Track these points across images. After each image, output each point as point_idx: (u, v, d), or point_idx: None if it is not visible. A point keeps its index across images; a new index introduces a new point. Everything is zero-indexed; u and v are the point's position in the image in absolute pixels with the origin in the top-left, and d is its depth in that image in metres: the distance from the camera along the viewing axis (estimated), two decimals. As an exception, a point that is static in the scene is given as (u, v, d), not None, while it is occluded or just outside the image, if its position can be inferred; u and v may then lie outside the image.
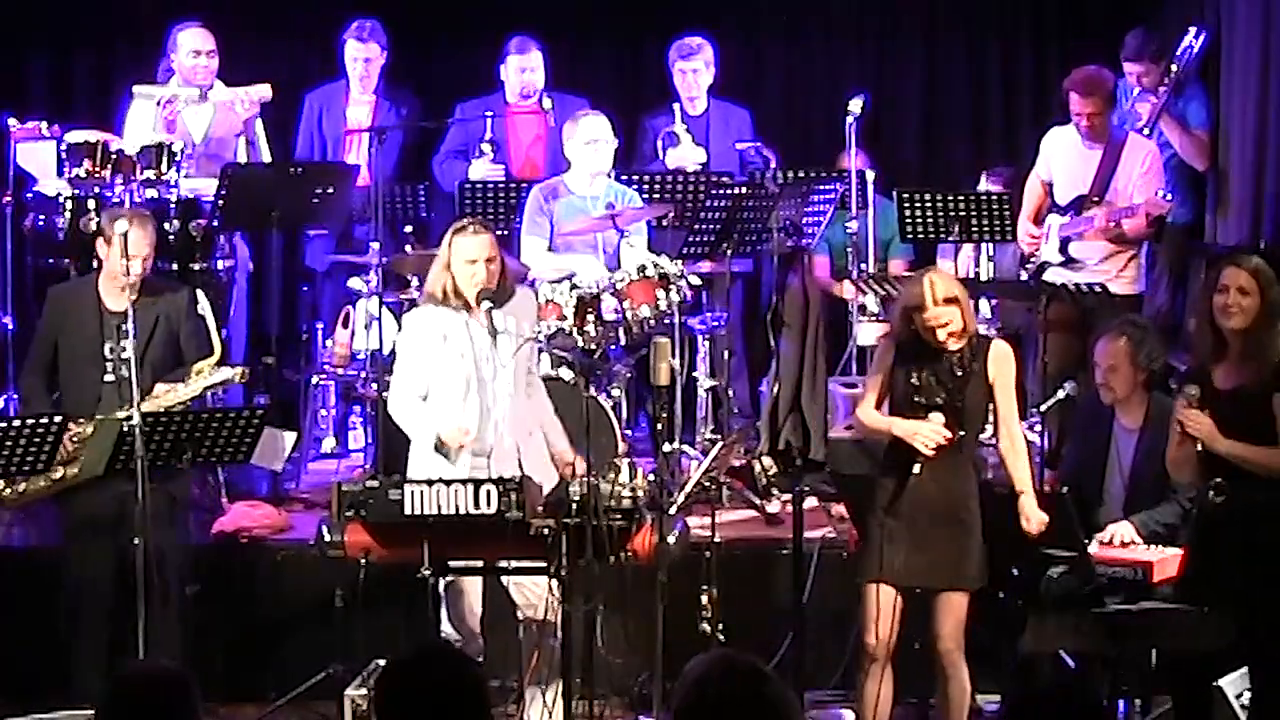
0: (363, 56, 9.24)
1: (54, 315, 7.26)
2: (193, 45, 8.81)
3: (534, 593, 6.57)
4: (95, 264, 7.33)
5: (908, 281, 6.63)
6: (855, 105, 8.70)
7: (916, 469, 6.38)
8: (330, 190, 8.46)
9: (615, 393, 8.04)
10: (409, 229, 9.09)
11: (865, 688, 6.52)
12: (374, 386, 8.32)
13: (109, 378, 7.10)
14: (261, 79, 8.98)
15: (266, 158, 8.96)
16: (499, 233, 8.64)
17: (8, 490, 7.00)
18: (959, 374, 6.43)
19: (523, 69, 9.19)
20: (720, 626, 6.85)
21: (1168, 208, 8.36)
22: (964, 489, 6.45)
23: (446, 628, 6.79)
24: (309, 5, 10.16)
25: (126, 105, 8.85)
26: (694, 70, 9.25)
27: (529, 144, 9.34)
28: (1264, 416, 6.09)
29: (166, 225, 8.08)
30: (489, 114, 9.19)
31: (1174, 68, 8.93)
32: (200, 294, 7.28)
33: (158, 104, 8.64)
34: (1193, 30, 9.05)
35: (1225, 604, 6.10)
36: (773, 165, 9.14)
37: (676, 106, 9.25)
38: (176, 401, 7.01)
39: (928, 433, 6.37)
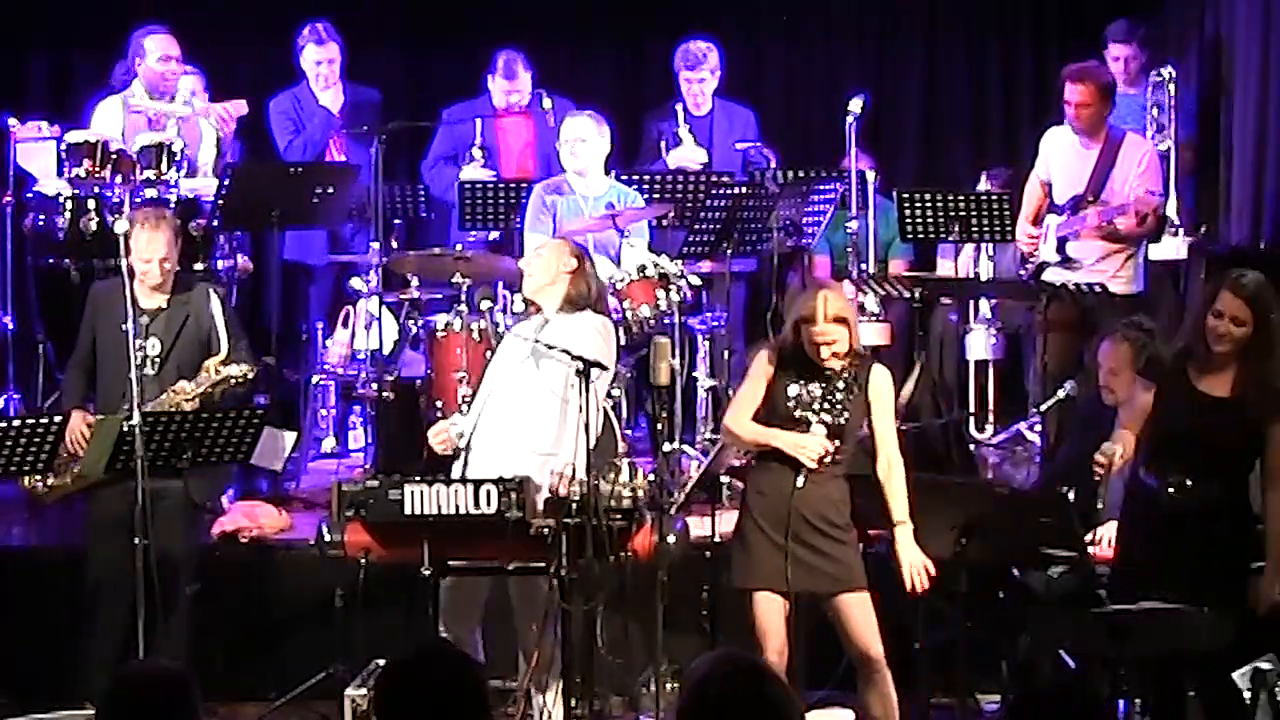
0: (326, 58, 9.17)
1: (92, 312, 7.29)
2: (162, 50, 8.75)
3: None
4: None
5: (803, 294, 6.57)
6: (855, 105, 8.70)
7: (800, 482, 6.29)
8: (330, 190, 8.46)
9: (615, 393, 8.03)
10: (396, 221, 9.08)
11: None
12: (374, 386, 8.32)
13: (135, 374, 7.10)
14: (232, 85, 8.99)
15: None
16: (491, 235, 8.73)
17: (40, 485, 7.04)
18: (840, 391, 6.35)
19: (508, 91, 9.19)
20: (720, 626, 6.87)
21: (1155, 203, 8.36)
22: (840, 498, 6.36)
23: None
24: (293, 9, 10.10)
25: (94, 100, 8.81)
26: (700, 80, 9.26)
27: (520, 148, 9.33)
28: (1245, 435, 6.08)
29: (166, 225, 8.09)
30: (478, 118, 9.18)
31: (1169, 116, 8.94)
32: (212, 292, 7.29)
33: (148, 117, 8.63)
34: (1167, 73, 9.01)
35: (1176, 598, 6.09)
36: (772, 165, 9.14)
37: (679, 107, 9.25)
38: (185, 399, 7.03)
39: (814, 446, 6.28)
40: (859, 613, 6.33)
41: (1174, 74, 8.96)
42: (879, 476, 6.39)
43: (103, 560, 7.07)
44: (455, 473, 6.76)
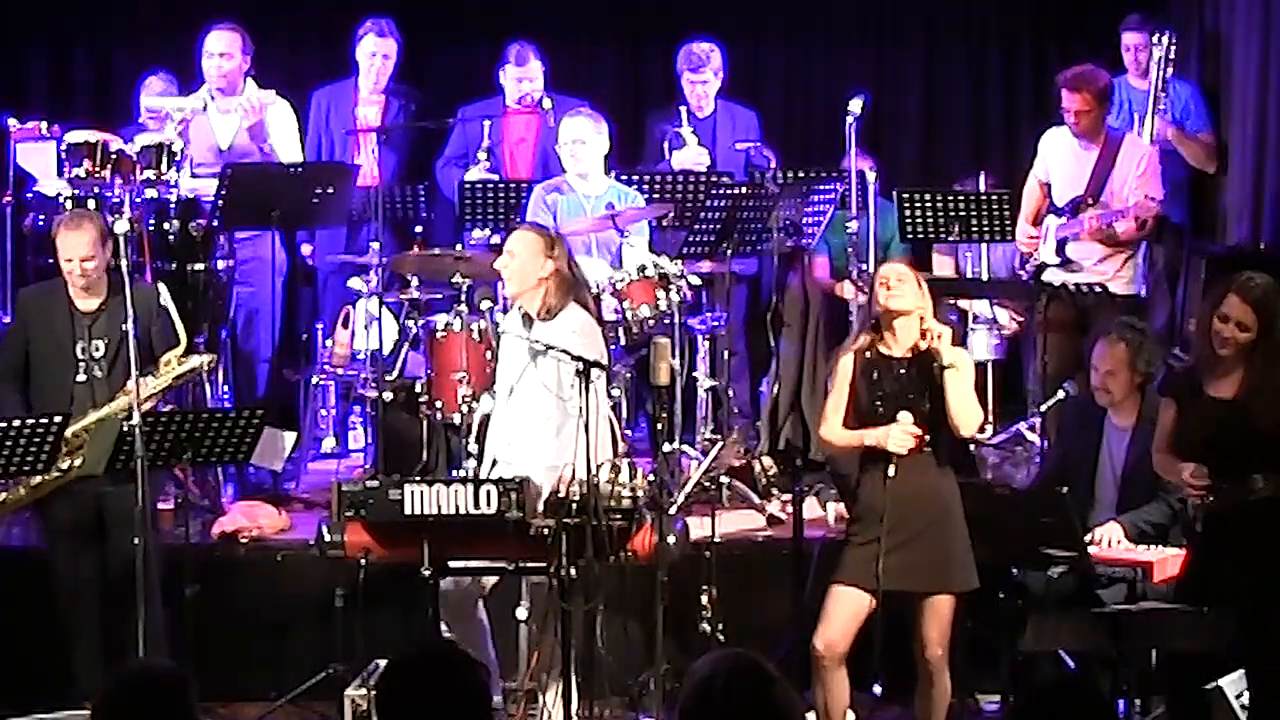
0: (381, 52, 9.23)
1: (24, 317, 7.23)
2: (210, 47, 8.83)
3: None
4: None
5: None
6: (855, 105, 8.70)
7: (891, 470, 6.33)
8: (330, 190, 8.45)
9: (615, 393, 8.03)
10: (419, 230, 9.08)
11: (814, 692, 6.47)
12: (374, 386, 8.32)
13: (80, 378, 7.07)
14: (265, 81, 9.00)
15: (285, 160, 8.89)
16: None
17: None
18: (920, 377, 6.39)
19: (520, 79, 9.20)
20: (720, 626, 6.87)
21: (1155, 210, 8.36)
22: (941, 489, 6.41)
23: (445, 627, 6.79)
24: (316, 5, 10.12)
25: (139, 117, 8.84)
26: (702, 82, 9.25)
27: (519, 144, 9.34)
28: (1255, 439, 6.08)
29: (166, 225, 8.09)
30: (486, 119, 9.18)
31: (1155, 73, 8.93)
32: (163, 287, 7.25)
33: (174, 121, 8.65)
34: (1157, 37, 9.02)
35: (1225, 604, 6.10)
36: (772, 165, 9.14)
37: (683, 109, 9.24)
38: (147, 395, 6.95)
39: (899, 434, 6.33)
40: (943, 616, 6.39)
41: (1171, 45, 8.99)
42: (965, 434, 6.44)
43: (63, 567, 7.10)
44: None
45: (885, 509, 6.33)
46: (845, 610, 6.38)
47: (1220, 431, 6.10)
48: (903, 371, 6.43)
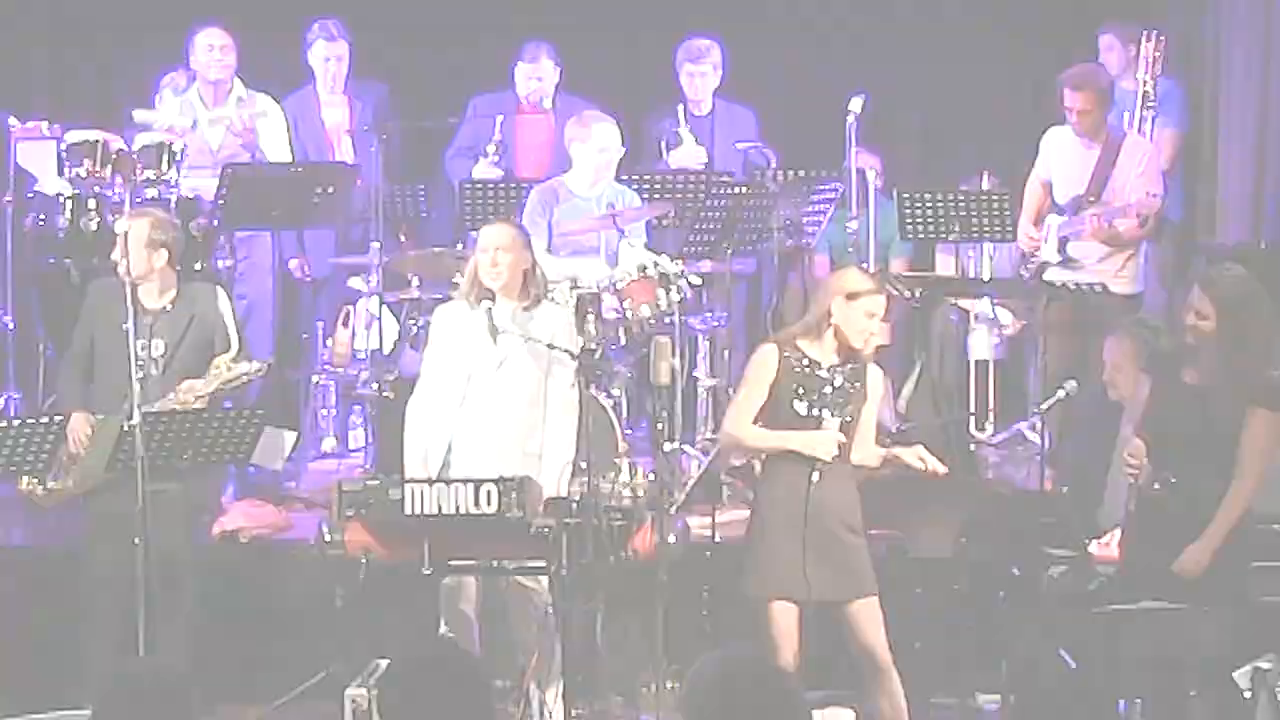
0: (335, 55, 9.19)
1: (91, 309, 7.23)
2: (208, 41, 8.88)
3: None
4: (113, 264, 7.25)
5: (832, 278, 6.56)
6: (855, 105, 8.70)
7: (816, 477, 6.21)
8: (330, 190, 8.46)
9: (615, 393, 8.04)
10: (405, 227, 9.08)
11: None
12: (374, 386, 8.32)
13: (138, 374, 7.08)
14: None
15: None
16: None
17: (40, 488, 7.01)
18: (845, 388, 6.28)
19: (529, 76, 9.20)
20: (720, 626, 6.87)
21: (1156, 206, 8.36)
22: (854, 501, 6.33)
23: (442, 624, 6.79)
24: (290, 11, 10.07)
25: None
26: (702, 74, 9.25)
27: (535, 146, 9.33)
28: (1211, 425, 6.11)
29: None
30: (499, 115, 9.17)
31: (1145, 80, 8.92)
32: (220, 290, 7.27)
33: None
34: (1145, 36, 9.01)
35: (1150, 595, 6.11)
36: (773, 165, 9.14)
37: (680, 107, 9.24)
38: (195, 397, 6.97)
39: (829, 441, 6.22)
40: (870, 618, 6.31)
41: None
42: (853, 460, 6.32)
43: (103, 560, 7.06)
44: (429, 467, 6.78)
45: (806, 516, 6.20)
46: (791, 626, 6.28)
47: (1186, 419, 6.14)
48: (830, 380, 6.29)
